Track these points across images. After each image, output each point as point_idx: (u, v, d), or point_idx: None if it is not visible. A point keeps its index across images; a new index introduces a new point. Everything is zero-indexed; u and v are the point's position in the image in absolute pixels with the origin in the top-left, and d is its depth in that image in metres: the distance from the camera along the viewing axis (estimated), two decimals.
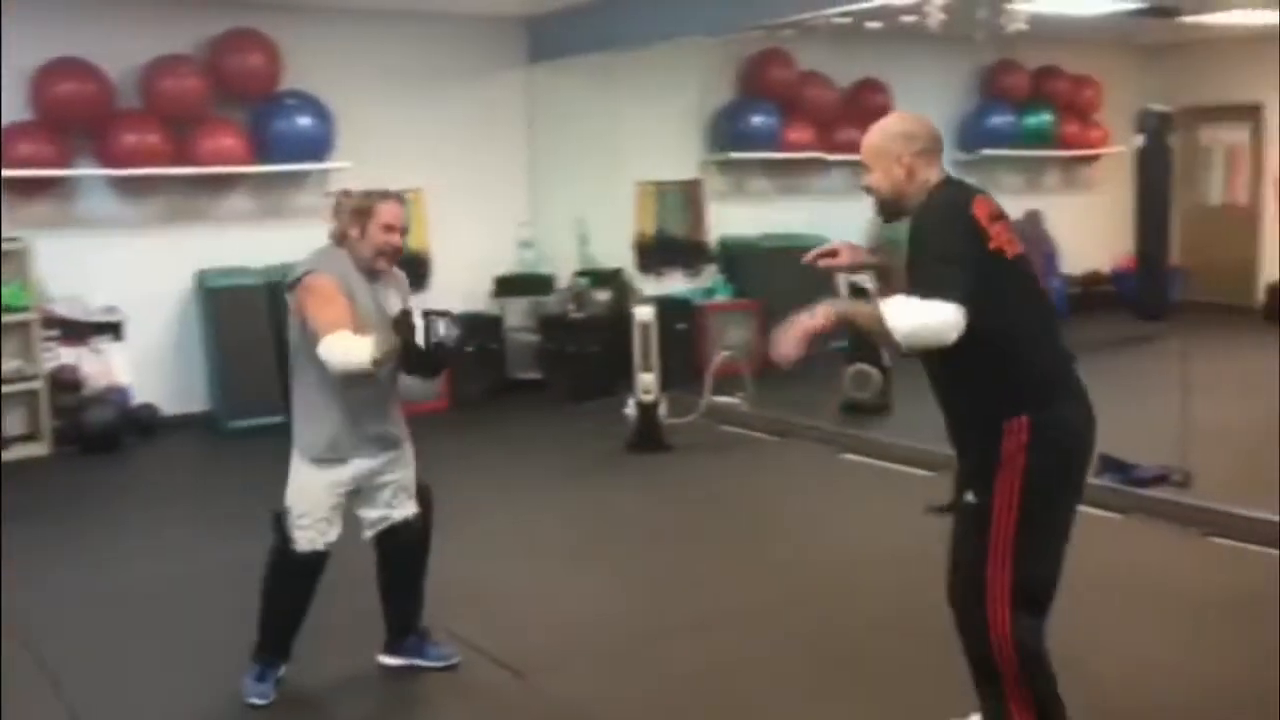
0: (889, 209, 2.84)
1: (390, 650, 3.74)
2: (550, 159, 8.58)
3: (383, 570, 3.69)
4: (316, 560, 3.50)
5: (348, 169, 7.61)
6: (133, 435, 6.99)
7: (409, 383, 3.57)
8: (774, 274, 9.15)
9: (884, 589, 4.35)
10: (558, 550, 4.98)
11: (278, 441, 6.92)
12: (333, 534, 3.51)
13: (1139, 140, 9.23)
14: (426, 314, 3.25)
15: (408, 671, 3.73)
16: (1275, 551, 4.52)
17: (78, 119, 6.78)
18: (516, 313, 8.52)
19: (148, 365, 7.27)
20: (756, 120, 9.12)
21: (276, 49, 7.26)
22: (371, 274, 3.49)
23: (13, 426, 6.80)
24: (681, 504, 5.66)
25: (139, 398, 7.20)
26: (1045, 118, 10.66)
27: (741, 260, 9.22)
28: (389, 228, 3.44)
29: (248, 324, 7.23)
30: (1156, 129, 9.11)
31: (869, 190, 2.85)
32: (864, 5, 6.06)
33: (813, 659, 3.81)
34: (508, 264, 8.41)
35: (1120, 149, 10.53)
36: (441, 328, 3.24)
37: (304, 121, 7.35)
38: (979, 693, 2.86)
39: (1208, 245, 10.66)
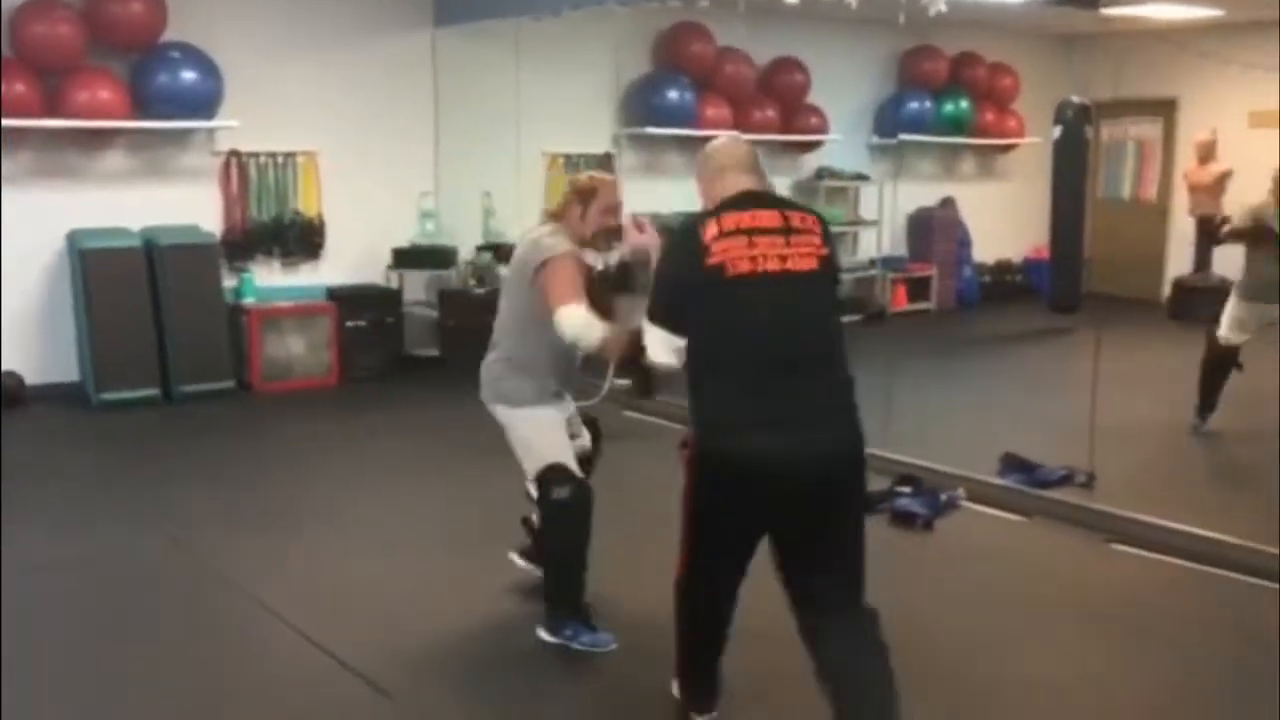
0: None
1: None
2: (457, 127, 8.22)
3: None
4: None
5: (236, 128, 7.23)
6: None
7: None
8: None
9: (769, 596, 4.14)
10: (440, 544, 4.69)
11: (151, 415, 6.65)
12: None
13: (1056, 131, 9.16)
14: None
15: (274, 690, 3.45)
16: (1179, 562, 4.43)
17: None
18: (415, 286, 8.17)
19: (13, 331, 6.79)
20: (672, 95, 8.86)
21: None
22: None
23: None
24: None
25: (3, 365, 6.71)
26: (962, 105, 10.57)
27: None
28: (609, 210, 3.67)
29: (124, 289, 6.80)
30: (1074, 120, 9.04)
31: None
32: None
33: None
34: (408, 235, 8.03)
35: (1036, 139, 10.48)
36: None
37: (188, 75, 6.89)
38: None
39: (1116, 239, 10.67)
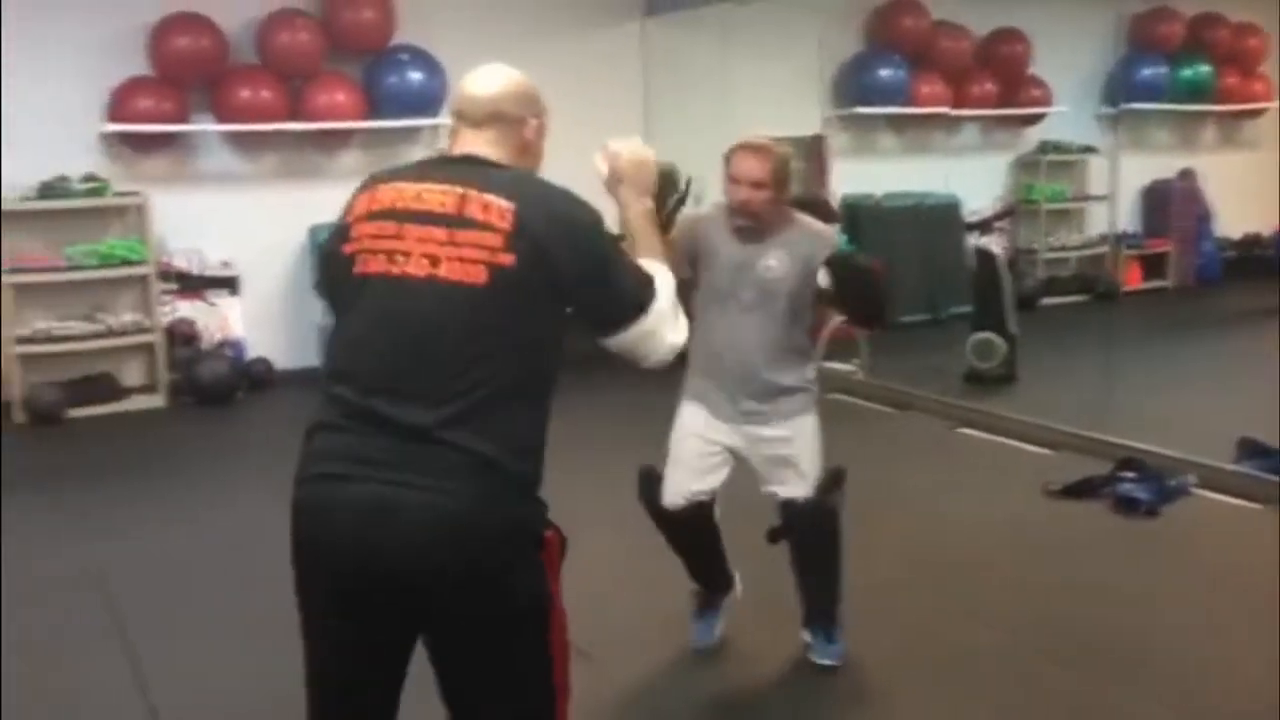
0: None
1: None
2: (666, 115, 8.33)
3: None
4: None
5: None
6: (246, 389, 7.09)
7: None
8: (899, 234, 8.79)
9: (980, 580, 4.06)
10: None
11: None
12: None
13: None
14: None
15: None
16: None
17: (194, 74, 6.85)
18: None
19: (263, 320, 7.36)
20: (884, 73, 8.71)
21: (389, 2, 7.19)
22: (740, 232, 3.25)
23: (131, 378, 6.98)
24: None
25: (253, 352, 7.30)
26: (1202, 69, 9.93)
27: (865, 220, 8.84)
28: (734, 180, 3.23)
29: None
30: None
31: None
32: None
33: (904, 649, 3.57)
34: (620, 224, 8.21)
35: None
36: None
37: (415, 76, 7.28)
38: None
39: None
